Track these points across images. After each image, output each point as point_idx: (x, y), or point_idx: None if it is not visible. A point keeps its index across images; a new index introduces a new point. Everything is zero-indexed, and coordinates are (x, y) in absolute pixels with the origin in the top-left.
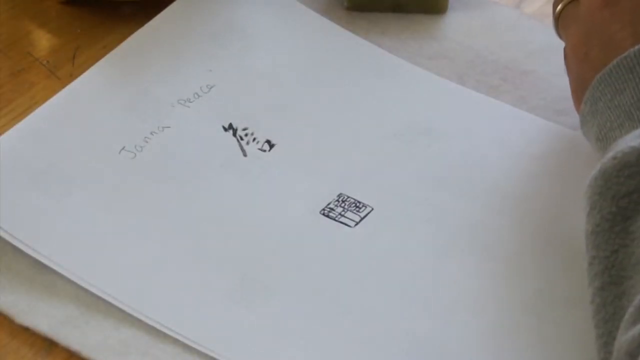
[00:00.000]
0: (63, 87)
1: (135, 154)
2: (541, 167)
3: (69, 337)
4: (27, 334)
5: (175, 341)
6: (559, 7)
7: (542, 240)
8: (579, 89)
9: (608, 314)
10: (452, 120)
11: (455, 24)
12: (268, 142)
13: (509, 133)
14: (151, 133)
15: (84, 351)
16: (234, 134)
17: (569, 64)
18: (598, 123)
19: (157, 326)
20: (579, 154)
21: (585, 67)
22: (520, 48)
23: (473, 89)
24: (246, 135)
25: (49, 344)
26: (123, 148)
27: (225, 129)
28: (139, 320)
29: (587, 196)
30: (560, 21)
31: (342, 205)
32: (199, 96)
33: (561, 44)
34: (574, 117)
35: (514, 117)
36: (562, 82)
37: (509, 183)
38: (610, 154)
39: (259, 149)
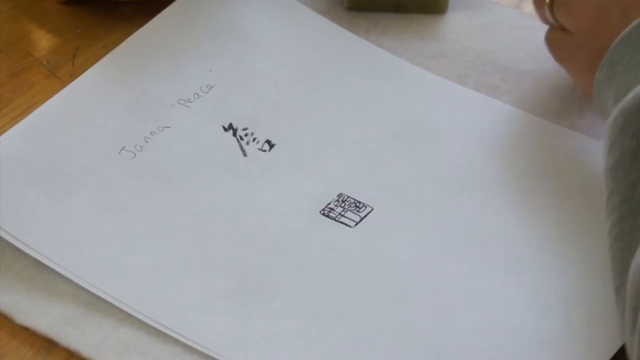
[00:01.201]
0: (63, 87)
1: (135, 154)
2: (541, 167)
3: (69, 337)
4: (27, 334)
5: (175, 341)
6: None
7: (541, 240)
8: (589, 65)
9: (625, 243)
10: (452, 120)
11: (455, 24)
12: (268, 142)
13: (508, 133)
14: (151, 133)
15: (83, 351)
16: (234, 134)
17: (577, 42)
18: (616, 85)
19: (157, 326)
20: (578, 154)
21: (602, 38)
22: (520, 48)
23: (473, 89)
24: (246, 135)
25: (49, 344)
26: (123, 148)
27: (225, 129)
28: (139, 320)
29: (607, 134)
30: (556, 5)
31: (342, 205)
32: (199, 96)
33: None
34: (574, 117)
35: (513, 117)
36: (562, 82)
37: (508, 183)
38: (630, 94)
39: (259, 149)
